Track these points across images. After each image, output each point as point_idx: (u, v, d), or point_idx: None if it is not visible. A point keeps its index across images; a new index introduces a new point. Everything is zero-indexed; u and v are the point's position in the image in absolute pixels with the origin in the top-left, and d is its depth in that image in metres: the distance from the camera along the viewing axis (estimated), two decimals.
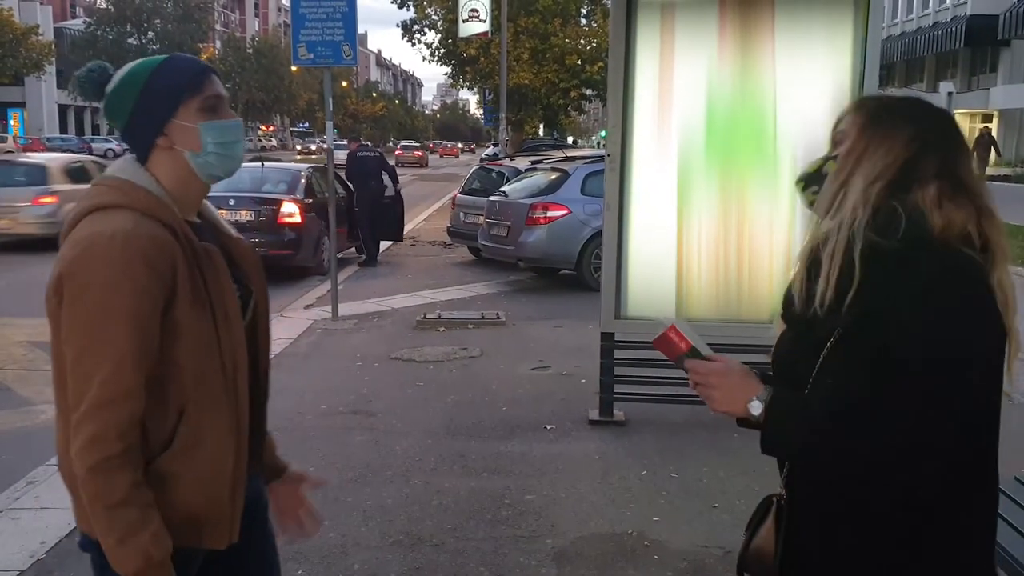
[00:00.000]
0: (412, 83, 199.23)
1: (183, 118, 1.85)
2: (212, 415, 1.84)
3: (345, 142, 30.10)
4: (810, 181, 1.70)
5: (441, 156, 76.03)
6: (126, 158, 1.92)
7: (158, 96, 1.85)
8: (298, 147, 70.85)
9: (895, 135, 1.60)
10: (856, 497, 1.57)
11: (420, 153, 60.85)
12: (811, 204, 1.70)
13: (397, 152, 59.29)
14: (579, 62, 33.19)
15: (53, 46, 52.79)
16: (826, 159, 1.69)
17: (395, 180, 14.22)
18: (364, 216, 13.51)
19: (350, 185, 13.73)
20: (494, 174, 15.08)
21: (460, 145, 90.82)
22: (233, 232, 2.07)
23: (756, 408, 1.58)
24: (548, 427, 5.83)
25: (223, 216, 2.14)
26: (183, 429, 1.81)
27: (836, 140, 1.69)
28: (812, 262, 1.61)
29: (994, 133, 45.01)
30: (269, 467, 2.20)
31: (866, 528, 1.57)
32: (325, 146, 9.87)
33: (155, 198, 1.83)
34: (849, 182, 1.59)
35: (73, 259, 1.73)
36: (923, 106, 1.67)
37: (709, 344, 1.72)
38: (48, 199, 14.25)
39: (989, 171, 42.36)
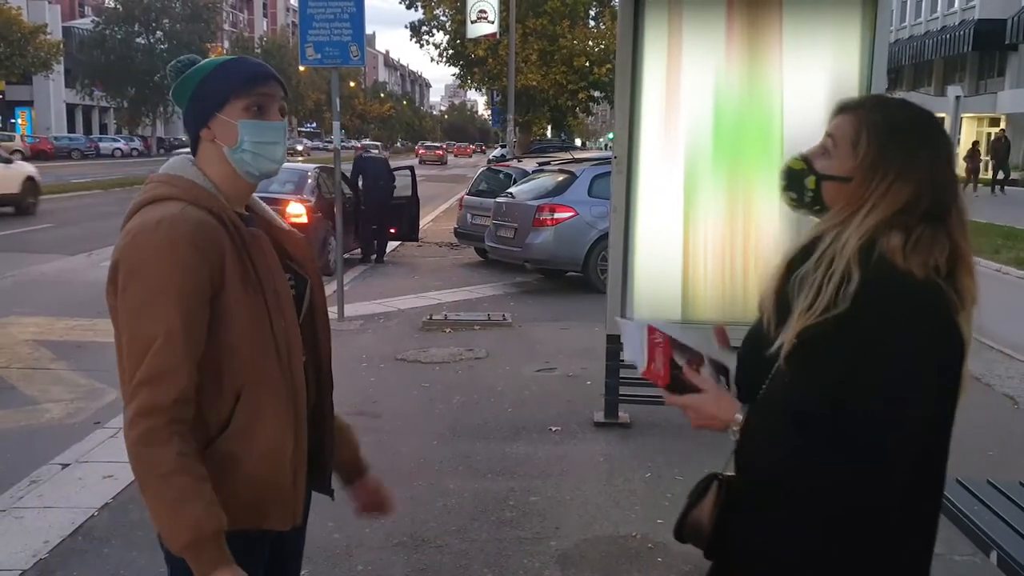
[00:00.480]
0: (420, 84, 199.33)
1: (227, 113, 1.91)
2: (269, 397, 1.87)
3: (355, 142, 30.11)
4: (790, 184, 1.72)
5: (456, 155, 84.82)
6: (179, 155, 1.99)
7: (211, 90, 1.92)
8: None
9: (904, 183, 1.60)
10: (802, 491, 1.60)
11: (440, 152, 70.30)
12: (789, 205, 1.74)
13: (420, 151, 68.25)
14: (587, 64, 33.16)
15: (61, 45, 52.87)
16: (809, 170, 1.69)
17: (413, 183, 14.30)
18: (371, 215, 13.53)
19: (358, 186, 13.73)
20: (501, 175, 15.08)
21: (472, 146, 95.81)
22: (284, 224, 2.11)
23: (734, 435, 1.65)
24: (553, 429, 5.82)
25: None
26: (240, 412, 1.84)
27: (827, 146, 1.69)
28: (789, 280, 1.65)
29: None
30: (352, 464, 2.33)
31: (806, 521, 1.62)
32: (330, 147, 9.86)
33: (200, 188, 1.89)
34: (844, 232, 1.61)
35: (122, 248, 1.79)
36: (932, 138, 1.66)
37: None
38: None
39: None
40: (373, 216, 13.55)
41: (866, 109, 1.67)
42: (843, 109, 1.70)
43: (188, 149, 2.00)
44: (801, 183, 1.70)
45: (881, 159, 1.61)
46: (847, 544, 1.61)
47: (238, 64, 1.98)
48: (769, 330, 1.66)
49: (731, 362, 1.82)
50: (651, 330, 1.78)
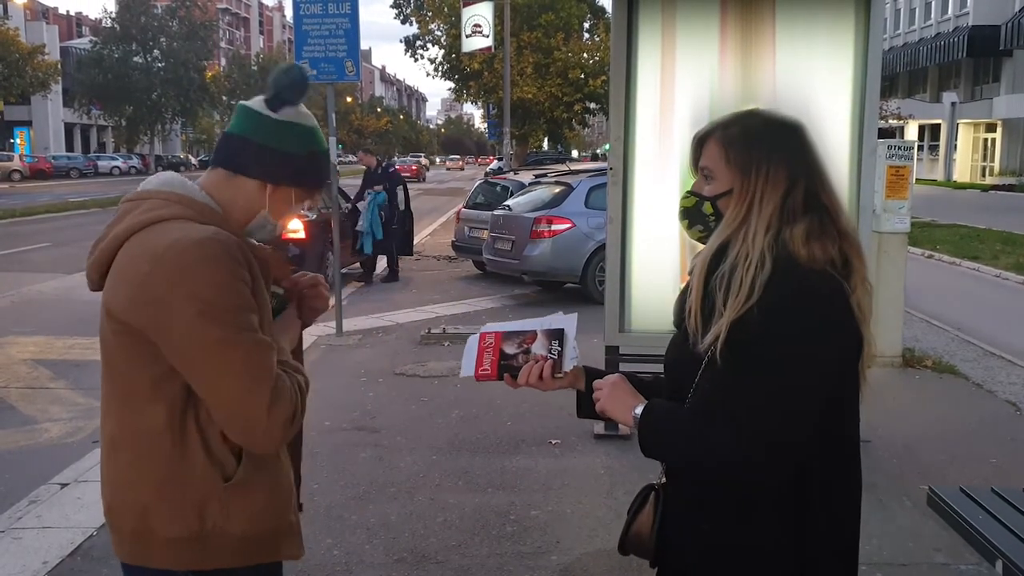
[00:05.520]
0: (416, 98, 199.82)
1: (289, 193, 1.90)
2: None
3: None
4: (693, 220, 1.86)
5: (478, 164, 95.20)
6: (168, 173, 1.90)
7: (304, 169, 1.89)
8: None
9: (775, 178, 1.74)
10: (727, 486, 1.72)
11: (479, 159, 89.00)
12: (698, 239, 1.87)
13: (489, 160, 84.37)
14: (582, 76, 33.26)
15: (59, 65, 53.05)
16: (702, 199, 1.82)
17: (406, 196, 14.10)
18: (398, 232, 13.44)
19: (355, 201, 13.61)
20: (498, 188, 15.07)
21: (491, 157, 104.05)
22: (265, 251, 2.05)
23: (635, 428, 1.79)
24: (553, 442, 5.80)
25: None
26: None
27: (705, 175, 1.83)
28: (709, 283, 1.75)
29: (997, 143, 44.99)
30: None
31: (735, 514, 1.73)
32: None
33: (217, 214, 1.82)
34: (748, 229, 1.73)
35: (166, 274, 1.67)
36: (785, 127, 1.81)
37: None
38: None
39: (992, 180, 42.35)
40: (399, 233, 13.48)
41: (721, 128, 1.82)
42: (702, 139, 1.84)
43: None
44: (700, 213, 1.84)
45: (751, 156, 1.76)
46: (754, 528, 1.72)
47: (323, 162, 1.95)
48: (696, 333, 1.74)
49: (568, 324, 1.94)
50: (482, 336, 1.92)
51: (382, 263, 14.01)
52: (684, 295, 1.83)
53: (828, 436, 1.71)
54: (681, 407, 1.77)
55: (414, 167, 63.35)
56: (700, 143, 1.85)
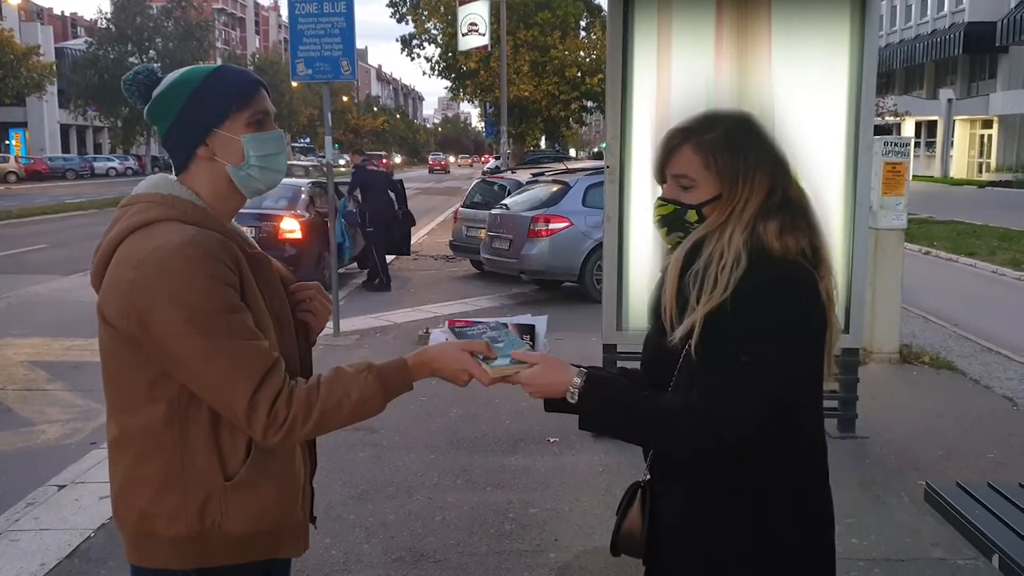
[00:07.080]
0: (413, 97, 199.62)
1: (228, 130, 1.81)
2: None
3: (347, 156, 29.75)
4: (673, 227, 1.85)
5: (483, 162, 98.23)
6: (158, 175, 1.88)
7: (205, 105, 1.81)
8: None
9: (760, 182, 1.77)
10: (712, 478, 1.76)
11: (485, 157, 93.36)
12: (675, 245, 1.86)
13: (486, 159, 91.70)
14: (579, 74, 33.30)
15: (54, 66, 52.91)
16: (684, 206, 1.82)
17: (403, 199, 13.51)
18: (380, 236, 12.72)
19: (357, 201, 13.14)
20: (495, 187, 15.07)
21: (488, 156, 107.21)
22: (257, 247, 2.00)
23: (572, 397, 1.83)
24: (552, 440, 5.80)
25: None
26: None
27: (683, 185, 1.81)
28: (683, 279, 1.77)
29: (993, 139, 45.04)
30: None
31: (718, 506, 1.77)
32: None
33: (201, 210, 1.80)
34: (726, 229, 1.76)
35: (148, 281, 1.66)
36: (754, 131, 1.83)
37: None
38: None
39: (989, 176, 42.40)
40: (381, 237, 12.72)
41: (695, 134, 1.81)
42: (673, 147, 1.83)
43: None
44: (682, 220, 1.83)
45: (737, 161, 1.78)
46: (745, 525, 1.74)
47: (228, 75, 1.85)
48: (671, 327, 1.76)
49: (539, 322, 1.99)
50: (451, 323, 1.99)
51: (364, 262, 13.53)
52: (659, 292, 1.85)
53: (794, 420, 1.75)
54: (647, 394, 1.81)
55: (443, 162, 79.45)
56: (669, 152, 1.83)
